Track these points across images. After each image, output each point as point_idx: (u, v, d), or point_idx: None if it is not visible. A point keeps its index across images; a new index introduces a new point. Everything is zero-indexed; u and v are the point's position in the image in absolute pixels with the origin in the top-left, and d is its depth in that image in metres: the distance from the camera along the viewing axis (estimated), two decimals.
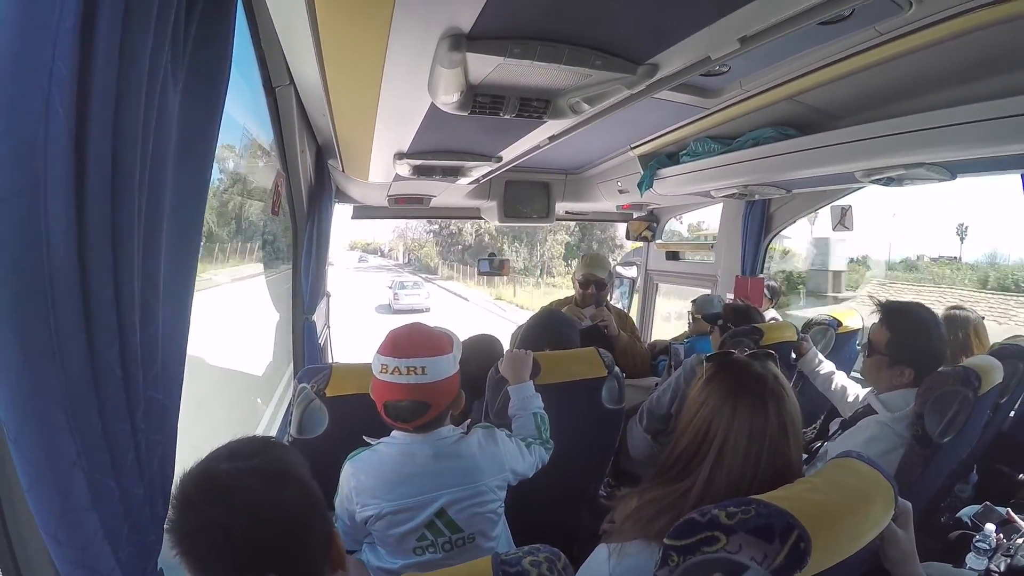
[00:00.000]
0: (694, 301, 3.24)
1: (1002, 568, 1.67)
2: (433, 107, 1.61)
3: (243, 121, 2.40)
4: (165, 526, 0.82)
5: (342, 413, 1.73)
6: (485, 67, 1.33)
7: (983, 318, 2.53)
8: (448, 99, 1.47)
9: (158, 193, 0.73)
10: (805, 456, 2.31)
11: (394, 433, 1.47)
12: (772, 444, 1.07)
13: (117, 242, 0.66)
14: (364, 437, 1.48)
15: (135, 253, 0.69)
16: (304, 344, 3.08)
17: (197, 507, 0.81)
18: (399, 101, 1.65)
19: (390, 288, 27.10)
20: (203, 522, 0.80)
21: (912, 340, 1.79)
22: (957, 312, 2.51)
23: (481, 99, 1.51)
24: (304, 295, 3.01)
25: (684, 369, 2.13)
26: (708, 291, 3.96)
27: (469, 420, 1.58)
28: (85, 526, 0.69)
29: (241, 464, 0.85)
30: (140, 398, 0.72)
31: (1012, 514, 1.95)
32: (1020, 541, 1.78)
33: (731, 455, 1.07)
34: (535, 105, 1.58)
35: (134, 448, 0.72)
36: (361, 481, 1.42)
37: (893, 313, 1.86)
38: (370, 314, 23.10)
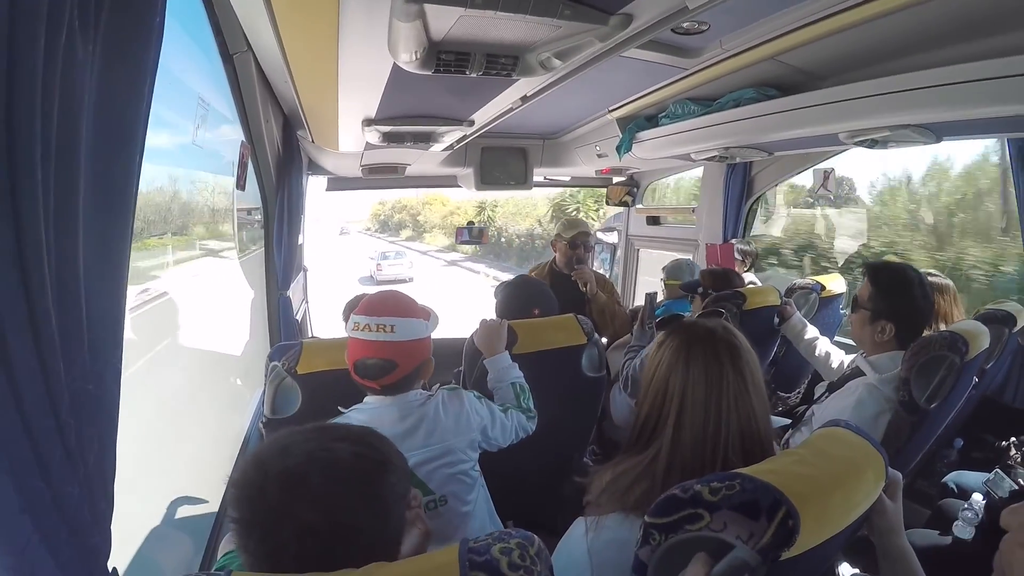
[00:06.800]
0: (664, 268, 3.23)
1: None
2: (396, 68, 1.54)
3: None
4: (232, 515, 0.80)
5: (315, 389, 1.69)
6: (446, 20, 1.26)
7: None
8: (409, 57, 1.40)
9: (71, 164, 0.66)
10: (790, 421, 2.32)
11: (366, 399, 1.49)
12: (730, 391, 1.06)
13: (20, 220, 0.59)
14: (339, 408, 1.48)
15: (42, 233, 0.62)
16: (280, 321, 3.02)
17: (275, 509, 0.79)
18: (360, 62, 1.57)
19: (372, 259, 26.66)
20: (277, 526, 0.78)
21: (892, 296, 1.80)
22: (932, 279, 2.48)
23: (445, 57, 1.44)
24: (277, 270, 2.94)
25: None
26: (689, 256, 3.94)
27: (437, 384, 1.58)
28: (19, 531, 0.64)
29: (333, 475, 0.82)
30: (64, 390, 0.66)
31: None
32: None
33: (692, 409, 1.06)
34: (503, 62, 1.51)
35: (62, 445, 0.66)
36: None
37: (876, 270, 1.88)
38: (352, 286, 22.78)
